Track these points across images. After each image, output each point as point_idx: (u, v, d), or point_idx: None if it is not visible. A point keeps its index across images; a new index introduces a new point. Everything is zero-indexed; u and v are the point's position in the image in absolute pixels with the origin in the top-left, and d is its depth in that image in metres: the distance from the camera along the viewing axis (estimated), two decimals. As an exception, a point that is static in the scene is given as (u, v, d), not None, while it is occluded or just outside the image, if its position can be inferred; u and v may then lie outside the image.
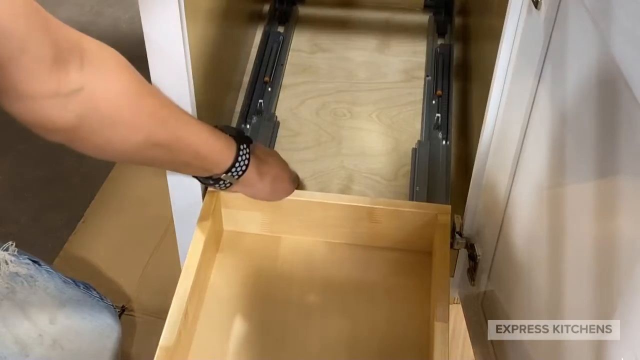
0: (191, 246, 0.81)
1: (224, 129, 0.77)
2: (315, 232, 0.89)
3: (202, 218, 0.83)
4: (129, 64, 0.62)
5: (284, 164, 0.87)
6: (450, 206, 0.85)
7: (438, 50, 1.17)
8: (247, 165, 0.77)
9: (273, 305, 0.84)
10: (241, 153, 0.76)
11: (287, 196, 0.86)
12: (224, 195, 0.85)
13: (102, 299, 0.88)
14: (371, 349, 0.80)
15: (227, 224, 0.90)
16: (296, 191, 0.87)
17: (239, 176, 0.77)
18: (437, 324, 0.74)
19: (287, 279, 0.87)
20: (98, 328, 0.84)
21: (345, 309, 0.84)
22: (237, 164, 0.76)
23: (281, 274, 0.87)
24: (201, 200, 0.87)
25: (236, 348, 0.80)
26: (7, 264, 0.81)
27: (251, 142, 0.80)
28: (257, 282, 0.86)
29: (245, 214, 0.88)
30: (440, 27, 1.21)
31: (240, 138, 0.78)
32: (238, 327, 0.82)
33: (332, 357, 0.80)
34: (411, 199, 0.96)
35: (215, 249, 0.88)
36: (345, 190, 0.98)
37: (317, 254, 0.89)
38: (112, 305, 0.90)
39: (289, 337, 0.81)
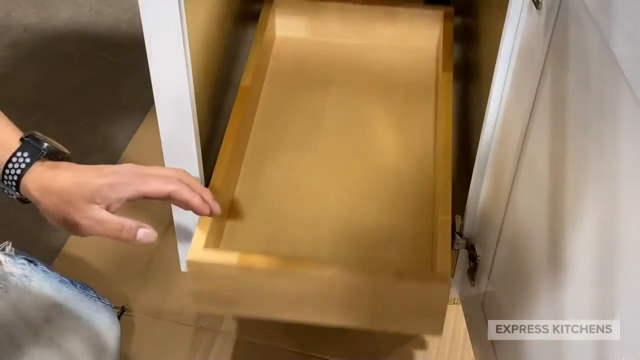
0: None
1: (32, 134, 0.68)
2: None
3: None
4: None
5: (83, 182, 0.67)
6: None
7: (436, 50, 1.17)
8: (18, 175, 0.67)
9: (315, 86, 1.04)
10: (14, 160, 0.67)
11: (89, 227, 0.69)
12: None
13: (99, 298, 0.88)
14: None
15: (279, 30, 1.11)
16: None
17: (13, 183, 0.67)
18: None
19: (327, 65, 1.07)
20: (96, 328, 0.84)
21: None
22: (7, 170, 0.67)
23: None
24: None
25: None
26: (0, 264, 0.81)
27: (41, 154, 0.68)
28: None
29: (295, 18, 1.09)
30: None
31: (31, 146, 0.67)
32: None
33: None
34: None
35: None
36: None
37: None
38: (110, 305, 0.89)
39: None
